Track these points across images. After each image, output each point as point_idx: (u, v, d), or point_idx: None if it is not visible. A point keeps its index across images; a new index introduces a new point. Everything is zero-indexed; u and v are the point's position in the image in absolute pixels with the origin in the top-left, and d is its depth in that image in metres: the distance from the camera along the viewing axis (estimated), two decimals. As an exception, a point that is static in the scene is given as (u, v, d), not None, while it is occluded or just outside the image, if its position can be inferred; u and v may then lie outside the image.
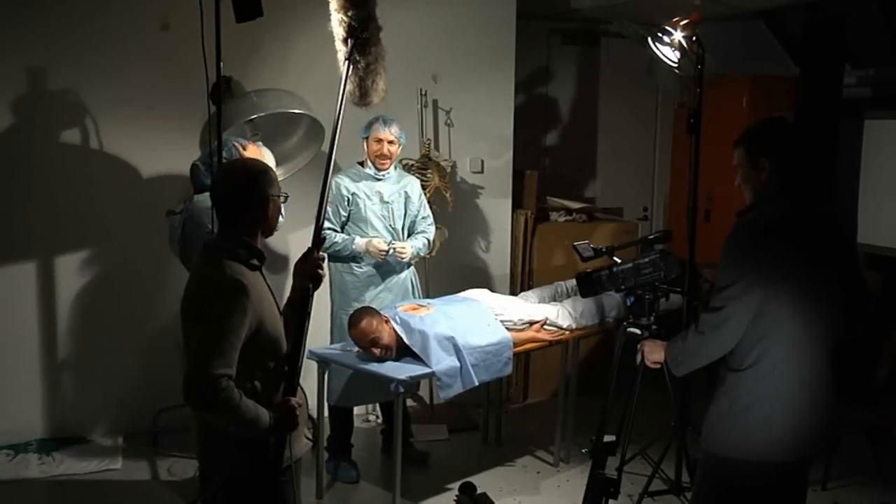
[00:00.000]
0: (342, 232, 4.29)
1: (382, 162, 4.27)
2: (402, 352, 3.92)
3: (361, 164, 4.35)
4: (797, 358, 2.56)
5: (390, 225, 4.33)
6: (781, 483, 2.67)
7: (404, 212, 4.38)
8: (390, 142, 4.25)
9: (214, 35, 3.19)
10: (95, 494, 4.11)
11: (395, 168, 4.40)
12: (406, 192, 4.37)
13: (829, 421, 2.64)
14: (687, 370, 2.75)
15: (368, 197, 4.28)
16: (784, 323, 2.54)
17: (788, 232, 2.59)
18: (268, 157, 4.15)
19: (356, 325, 3.85)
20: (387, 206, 4.31)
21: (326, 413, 4.27)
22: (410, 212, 4.40)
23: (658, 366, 2.96)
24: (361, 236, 4.25)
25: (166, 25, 4.58)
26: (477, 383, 3.87)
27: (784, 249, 2.56)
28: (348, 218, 4.29)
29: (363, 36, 2.83)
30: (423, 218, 4.47)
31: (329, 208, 4.21)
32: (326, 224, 4.20)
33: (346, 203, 4.26)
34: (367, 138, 4.27)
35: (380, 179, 4.31)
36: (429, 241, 4.46)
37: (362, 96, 2.99)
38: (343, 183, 4.26)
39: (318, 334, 4.29)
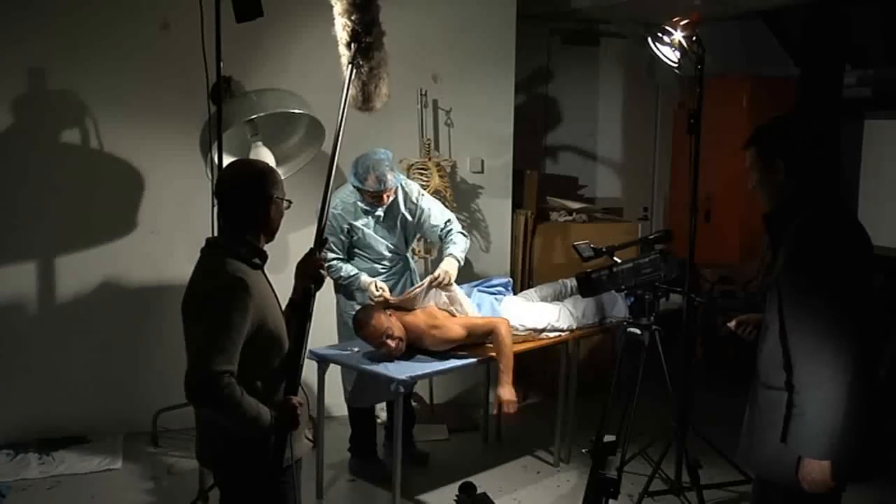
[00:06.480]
0: (348, 257, 4.21)
1: (380, 203, 4.10)
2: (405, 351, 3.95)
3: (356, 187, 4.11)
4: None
5: (392, 244, 4.23)
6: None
7: (405, 227, 4.25)
8: (387, 193, 4.05)
9: (214, 35, 3.20)
10: (95, 494, 4.11)
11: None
12: (403, 207, 4.20)
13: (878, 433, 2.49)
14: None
15: (366, 225, 4.17)
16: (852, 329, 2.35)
17: (851, 232, 2.42)
18: (268, 157, 4.16)
19: (365, 325, 3.87)
20: (385, 226, 4.20)
21: (326, 413, 4.28)
22: (418, 222, 4.24)
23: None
24: (366, 260, 4.21)
25: (166, 25, 4.58)
26: None
27: (856, 251, 2.40)
28: (352, 245, 4.21)
29: (366, 40, 2.83)
30: (443, 225, 4.25)
31: (332, 239, 4.09)
32: (331, 255, 4.10)
33: (346, 233, 4.15)
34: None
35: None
36: (463, 237, 4.27)
37: (365, 101, 2.98)
38: (336, 212, 4.11)
39: (319, 334, 4.29)
